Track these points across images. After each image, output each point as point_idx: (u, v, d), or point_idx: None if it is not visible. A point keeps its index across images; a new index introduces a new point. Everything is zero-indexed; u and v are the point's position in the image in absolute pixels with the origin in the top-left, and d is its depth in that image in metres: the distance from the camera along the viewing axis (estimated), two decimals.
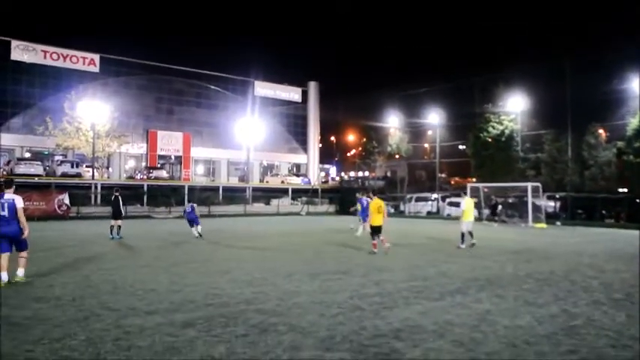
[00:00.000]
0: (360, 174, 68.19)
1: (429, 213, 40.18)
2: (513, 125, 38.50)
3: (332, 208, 44.72)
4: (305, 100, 62.93)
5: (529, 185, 29.32)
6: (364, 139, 62.54)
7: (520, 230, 25.28)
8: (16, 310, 7.10)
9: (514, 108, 38.02)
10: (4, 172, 36.85)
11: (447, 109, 44.56)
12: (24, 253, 9.38)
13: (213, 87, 56.20)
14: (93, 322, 6.47)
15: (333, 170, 74.61)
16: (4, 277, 9.06)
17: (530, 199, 28.69)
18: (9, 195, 9.19)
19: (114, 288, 8.84)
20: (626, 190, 33.36)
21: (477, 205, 33.32)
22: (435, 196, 41.52)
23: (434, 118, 44.15)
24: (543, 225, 27.57)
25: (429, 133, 50.16)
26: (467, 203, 16.56)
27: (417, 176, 53.57)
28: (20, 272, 9.30)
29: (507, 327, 6.43)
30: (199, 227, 18.89)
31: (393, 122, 50.82)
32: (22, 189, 31.45)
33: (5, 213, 9.01)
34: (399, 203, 43.32)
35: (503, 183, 32.95)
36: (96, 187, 36.29)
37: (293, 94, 62.73)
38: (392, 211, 42.10)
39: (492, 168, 38.36)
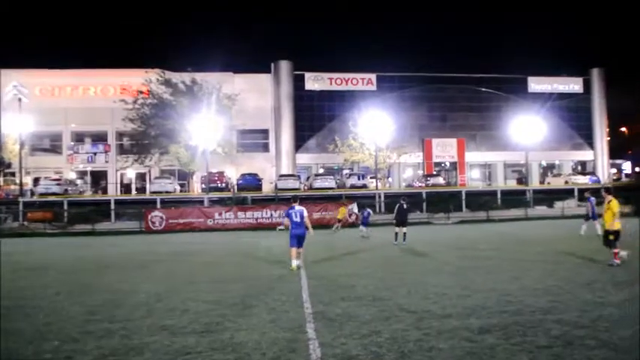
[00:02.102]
0: None
1: None
2: None
3: (627, 209, 38.89)
4: (588, 90, 56.80)
5: None
6: None
7: None
8: (329, 307, 8.09)
9: None
10: (305, 187, 42.47)
11: None
12: (301, 249, 12.57)
13: (484, 89, 55.06)
14: (394, 322, 6.98)
15: (627, 165, 65.41)
16: (295, 263, 12.29)
17: None
18: (298, 207, 12.47)
19: (408, 291, 9.36)
20: None
21: None
22: None
23: None
24: None
25: None
26: None
27: None
28: (297, 262, 12.35)
29: None
30: None
31: None
32: (318, 201, 35.80)
33: (298, 219, 12.30)
34: None
35: None
36: (379, 197, 38.96)
37: (573, 85, 57.24)
38: None
39: None
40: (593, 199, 21.23)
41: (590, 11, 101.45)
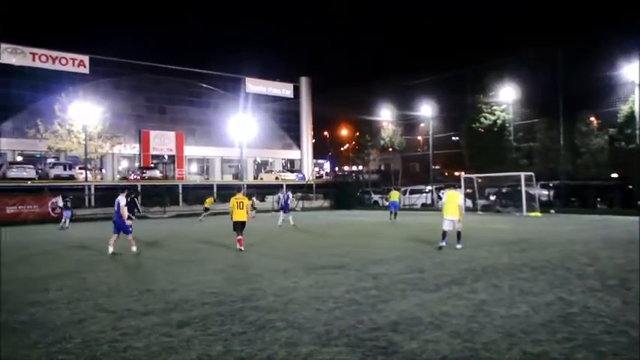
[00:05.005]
0: (354, 168, 68.22)
1: (423, 205, 40.27)
2: (505, 115, 38.46)
3: (327, 203, 44.78)
4: (297, 96, 62.82)
5: (522, 174, 29.41)
6: (357, 133, 62.59)
7: (515, 219, 25.35)
8: (12, 315, 7.06)
9: (506, 97, 37.98)
10: None
11: (440, 100, 44.39)
12: (130, 236, 13.75)
13: (204, 85, 55.98)
14: (89, 325, 6.44)
15: (327, 165, 74.71)
16: (111, 250, 13.53)
17: (523, 188, 28.78)
18: (119, 197, 13.62)
19: (109, 290, 8.80)
20: (617, 176, 33.50)
21: (471, 196, 33.64)
22: (429, 188, 41.58)
23: (426, 109, 44.02)
24: (538, 214, 27.67)
25: (422, 125, 50.15)
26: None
27: (411, 169, 53.68)
28: (134, 249, 13.70)
29: (504, 317, 6.45)
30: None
31: (385, 115, 50.74)
32: (14, 193, 31.28)
33: (115, 208, 13.54)
34: None
35: (497, 173, 32.96)
36: (89, 189, 36.08)
37: (285, 90, 62.55)
38: (386, 203, 42.23)
39: (485, 158, 38.30)
40: (289, 194, 25.63)
41: (301, 25, 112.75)
